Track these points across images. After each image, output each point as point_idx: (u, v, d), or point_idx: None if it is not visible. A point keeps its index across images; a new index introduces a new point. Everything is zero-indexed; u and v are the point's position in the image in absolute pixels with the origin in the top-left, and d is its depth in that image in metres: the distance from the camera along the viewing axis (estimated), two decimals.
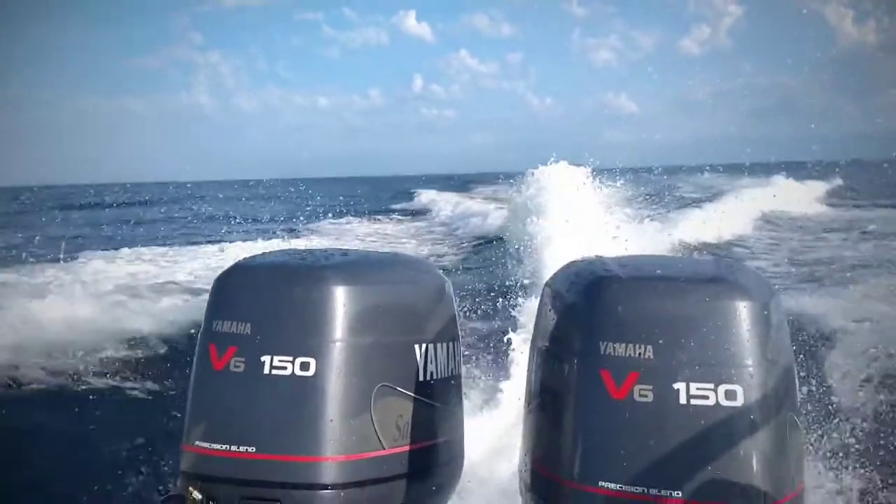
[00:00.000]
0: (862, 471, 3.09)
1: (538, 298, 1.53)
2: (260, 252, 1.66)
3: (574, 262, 1.51)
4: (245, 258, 1.59)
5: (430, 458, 1.52)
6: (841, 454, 3.16)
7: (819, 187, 24.78)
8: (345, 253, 1.65)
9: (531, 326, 1.53)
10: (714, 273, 1.33)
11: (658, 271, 1.36)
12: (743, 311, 1.23)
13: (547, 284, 1.50)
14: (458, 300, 1.75)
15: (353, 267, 1.53)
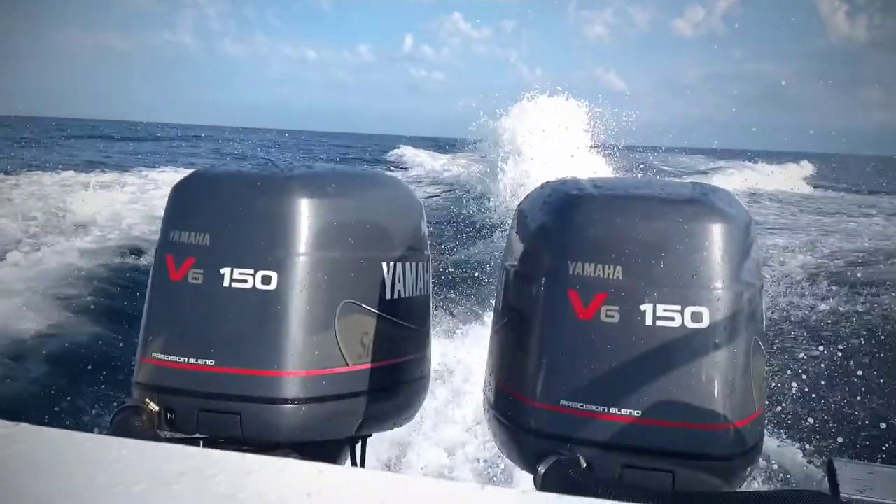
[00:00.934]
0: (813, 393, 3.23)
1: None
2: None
3: (548, 182, 1.47)
4: (205, 167, 1.52)
5: (394, 377, 1.51)
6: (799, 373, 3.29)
7: (798, 172, 25.52)
8: (310, 166, 1.58)
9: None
10: (689, 194, 1.30)
11: (632, 191, 1.32)
12: (716, 232, 1.20)
13: (519, 205, 1.46)
14: (430, 225, 1.72)
15: (319, 179, 1.47)
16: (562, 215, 1.28)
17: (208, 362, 1.31)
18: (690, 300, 1.18)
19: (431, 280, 1.69)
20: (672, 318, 1.17)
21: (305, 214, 1.35)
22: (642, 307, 1.18)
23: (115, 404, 1.39)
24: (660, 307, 1.17)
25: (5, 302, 4.42)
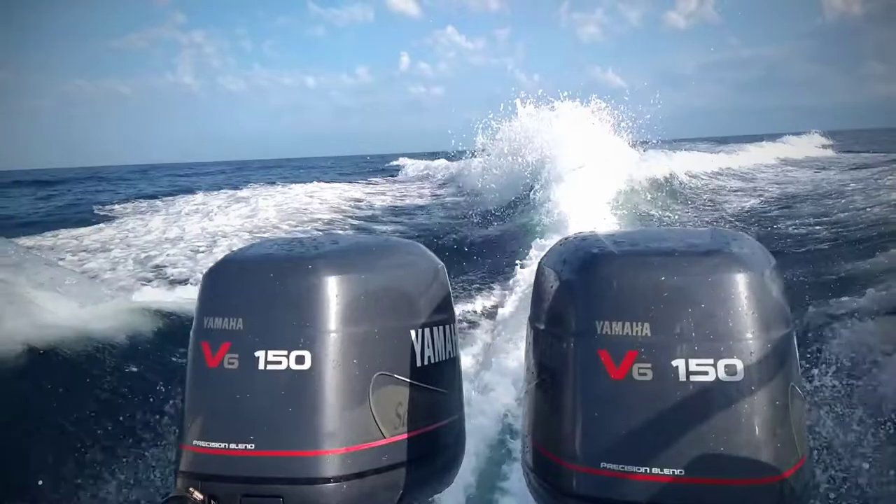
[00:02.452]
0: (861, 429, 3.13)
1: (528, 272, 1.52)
2: (249, 244, 1.64)
3: (567, 238, 1.49)
4: (233, 251, 1.56)
5: (431, 443, 1.51)
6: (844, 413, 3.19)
7: (816, 142, 26.58)
8: (335, 240, 1.63)
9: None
10: (709, 244, 1.31)
11: (652, 245, 1.34)
12: (739, 282, 1.21)
13: (541, 262, 1.49)
14: (452, 278, 1.74)
15: (343, 254, 1.51)
16: (584, 274, 1.29)
17: (248, 446, 1.33)
18: (722, 353, 1.17)
19: (458, 341, 1.71)
20: (706, 373, 1.17)
21: (333, 292, 1.39)
22: (674, 363, 1.18)
23: (160, 498, 1.40)
24: (692, 362, 1.17)
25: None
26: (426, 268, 1.64)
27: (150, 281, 8.10)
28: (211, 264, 1.52)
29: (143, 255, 9.91)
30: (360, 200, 18.61)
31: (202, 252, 10.13)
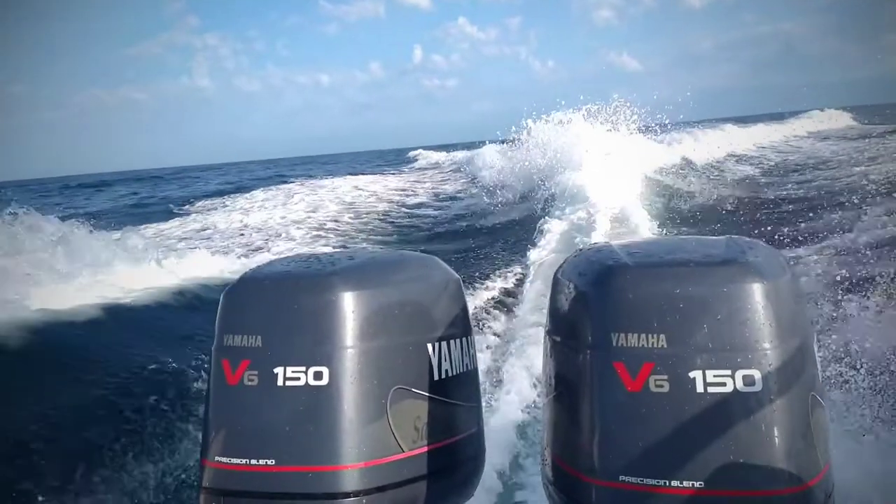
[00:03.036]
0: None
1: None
2: (270, 260, 1.66)
3: (582, 250, 1.50)
4: (251, 269, 1.59)
5: (450, 457, 1.51)
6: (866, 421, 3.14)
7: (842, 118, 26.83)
8: (351, 256, 1.64)
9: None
10: (724, 254, 1.31)
11: (667, 256, 1.34)
12: (756, 292, 1.20)
13: (557, 274, 1.49)
14: (469, 291, 1.75)
15: (359, 270, 1.52)
16: (599, 287, 1.29)
17: (269, 462, 1.34)
18: (740, 363, 1.17)
19: (476, 354, 1.71)
20: (724, 384, 1.16)
21: (350, 307, 1.40)
22: (691, 374, 1.17)
23: None
24: (709, 373, 1.17)
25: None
26: (442, 281, 1.65)
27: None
28: (229, 284, 1.55)
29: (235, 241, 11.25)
30: (403, 189, 19.51)
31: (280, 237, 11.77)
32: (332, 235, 12.36)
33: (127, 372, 4.56)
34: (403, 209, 15.95)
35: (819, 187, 11.88)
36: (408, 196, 18.24)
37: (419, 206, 16.30)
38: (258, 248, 10.88)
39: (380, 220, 14.34)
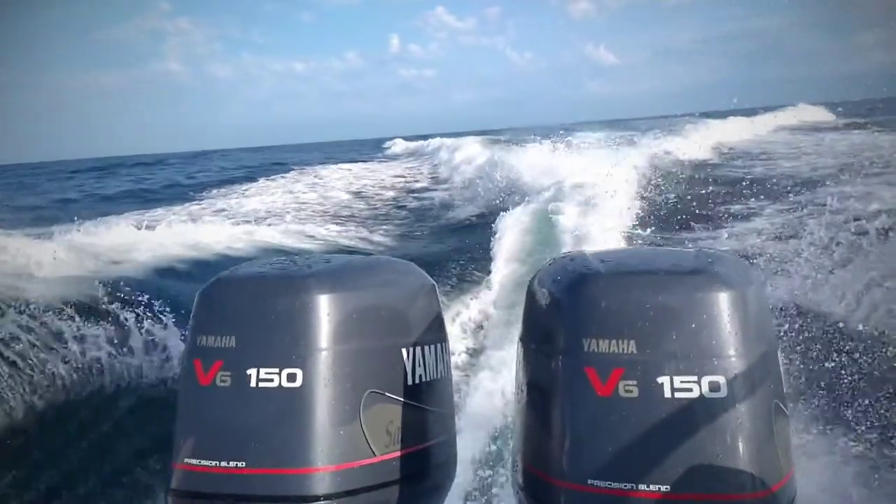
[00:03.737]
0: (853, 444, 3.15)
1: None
2: (245, 258, 1.66)
3: (557, 258, 1.52)
4: (227, 271, 1.58)
5: (422, 462, 1.52)
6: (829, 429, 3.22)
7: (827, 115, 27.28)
8: (327, 259, 1.65)
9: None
10: (693, 264, 1.35)
11: (639, 265, 1.37)
12: (722, 301, 1.24)
13: (531, 281, 1.51)
14: (444, 298, 1.77)
15: (335, 273, 1.53)
16: (572, 293, 1.32)
17: (239, 464, 1.33)
18: (706, 370, 1.20)
19: (450, 360, 1.72)
20: (690, 389, 1.19)
21: (325, 310, 1.40)
22: (659, 380, 1.20)
23: None
24: (677, 379, 1.20)
25: None
26: (418, 286, 1.66)
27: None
28: (204, 284, 1.54)
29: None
30: (402, 176, 19.69)
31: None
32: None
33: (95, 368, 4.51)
34: (414, 195, 16.37)
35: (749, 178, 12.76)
36: (410, 181, 18.60)
37: (425, 189, 16.68)
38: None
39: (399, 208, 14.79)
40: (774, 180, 11.53)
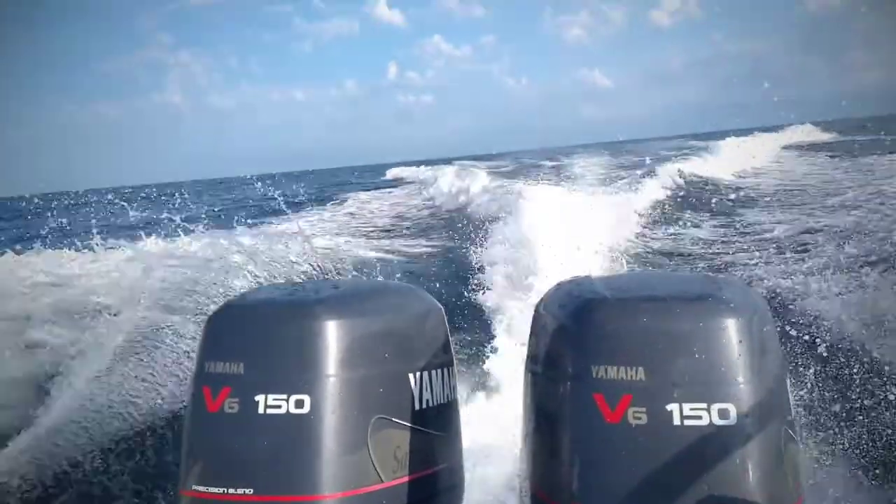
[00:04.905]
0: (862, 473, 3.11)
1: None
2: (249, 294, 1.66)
3: (562, 283, 1.52)
4: (235, 297, 1.59)
5: (429, 487, 1.51)
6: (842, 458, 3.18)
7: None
8: (335, 285, 1.66)
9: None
10: (700, 290, 1.35)
11: (645, 291, 1.37)
12: (730, 327, 1.24)
13: (537, 306, 1.51)
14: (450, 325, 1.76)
15: (342, 299, 1.53)
16: (579, 319, 1.32)
17: (247, 491, 1.33)
18: (716, 397, 1.20)
19: (457, 384, 1.72)
20: (699, 417, 1.19)
21: (332, 336, 1.41)
22: (668, 407, 1.20)
23: None
24: (686, 406, 1.19)
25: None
26: (424, 311, 1.66)
27: None
28: (213, 310, 1.55)
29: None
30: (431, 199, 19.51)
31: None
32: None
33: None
34: (446, 218, 15.80)
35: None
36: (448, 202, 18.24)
37: (460, 209, 15.87)
38: None
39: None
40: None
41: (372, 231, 14.76)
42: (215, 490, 1.35)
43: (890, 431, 3.28)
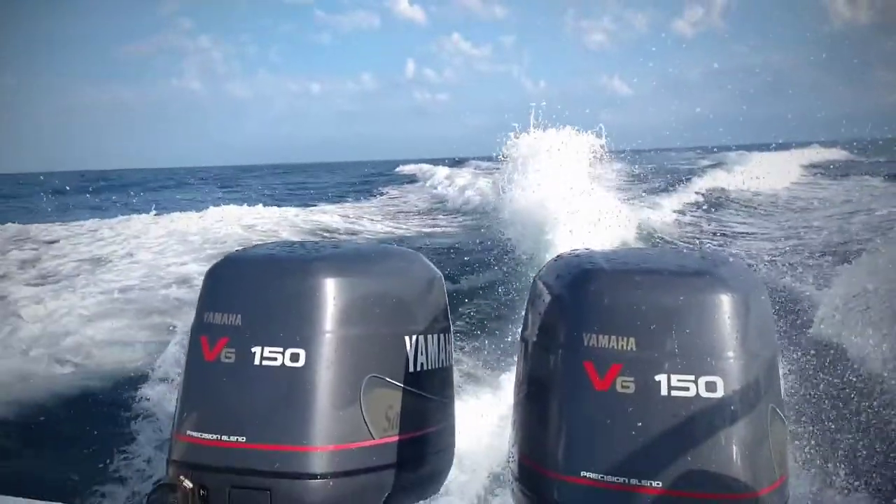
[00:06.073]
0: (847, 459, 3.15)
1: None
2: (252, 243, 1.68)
3: (562, 255, 1.53)
4: (236, 251, 1.60)
5: (420, 449, 1.54)
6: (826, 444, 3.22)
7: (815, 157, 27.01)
8: (336, 245, 1.67)
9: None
10: (698, 266, 1.35)
11: (643, 264, 1.38)
12: (724, 303, 1.24)
13: (535, 277, 1.52)
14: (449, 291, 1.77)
15: (343, 258, 1.55)
16: (575, 288, 1.33)
17: (240, 439, 1.36)
18: (704, 370, 1.21)
19: (453, 350, 1.73)
20: (687, 388, 1.20)
21: (331, 293, 1.42)
22: (657, 377, 1.21)
23: (153, 482, 1.44)
24: (674, 377, 1.21)
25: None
26: (424, 277, 1.67)
27: None
28: (213, 263, 1.56)
29: None
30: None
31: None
32: None
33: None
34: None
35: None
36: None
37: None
38: None
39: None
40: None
41: (416, 215, 16.02)
42: (209, 436, 1.38)
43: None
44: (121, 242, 10.84)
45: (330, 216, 15.58)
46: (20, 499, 1.52)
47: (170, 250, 9.89)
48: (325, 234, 12.72)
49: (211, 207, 13.88)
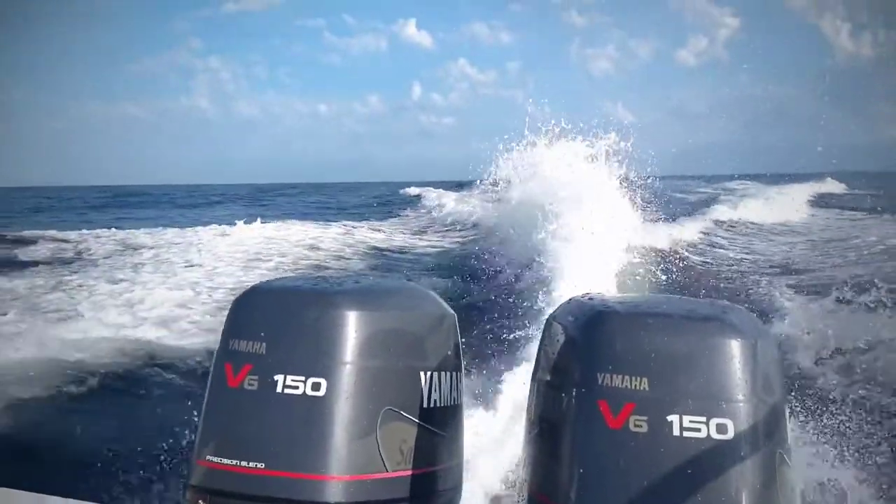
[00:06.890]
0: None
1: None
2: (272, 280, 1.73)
3: (575, 298, 1.57)
4: (262, 282, 1.66)
5: (430, 484, 1.56)
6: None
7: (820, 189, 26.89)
8: (357, 280, 1.72)
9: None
10: (708, 312, 1.40)
11: (654, 308, 1.42)
12: (734, 348, 1.29)
13: (548, 319, 1.56)
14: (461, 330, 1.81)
15: (364, 293, 1.60)
16: (590, 329, 1.37)
17: (259, 465, 1.39)
18: (715, 412, 1.24)
19: (464, 389, 1.76)
20: (698, 430, 1.23)
21: (352, 326, 1.47)
22: (669, 418, 1.24)
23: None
24: (686, 418, 1.24)
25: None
26: (439, 315, 1.71)
27: None
28: (240, 292, 1.62)
29: None
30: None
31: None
32: None
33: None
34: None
35: None
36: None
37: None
38: None
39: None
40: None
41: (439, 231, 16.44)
42: (228, 462, 1.41)
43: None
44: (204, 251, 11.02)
45: (381, 234, 15.81)
46: (34, 493, 1.56)
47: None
48: (388, 252, 12.79)
49: (259, 222, 13.63)
